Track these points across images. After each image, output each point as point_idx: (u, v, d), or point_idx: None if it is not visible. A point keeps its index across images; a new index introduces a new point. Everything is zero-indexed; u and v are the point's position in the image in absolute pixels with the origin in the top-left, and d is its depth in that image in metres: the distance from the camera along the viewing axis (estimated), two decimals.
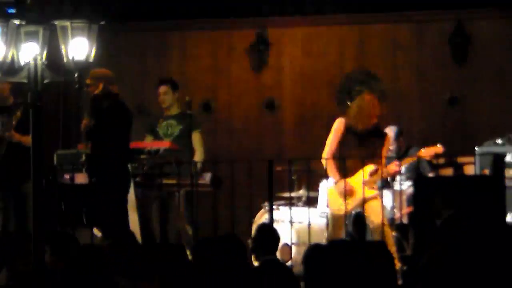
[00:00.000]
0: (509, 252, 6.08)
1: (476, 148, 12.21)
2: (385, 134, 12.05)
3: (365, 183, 11.68)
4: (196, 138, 13.12)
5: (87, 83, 11.97)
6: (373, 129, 11.86)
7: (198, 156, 13.02)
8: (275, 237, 9.63)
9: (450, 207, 8.11)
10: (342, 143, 11.84)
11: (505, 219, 7.06)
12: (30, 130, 10.99)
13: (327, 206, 11.92)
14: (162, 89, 13.25)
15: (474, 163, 11.93)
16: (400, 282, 8.61)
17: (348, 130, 11.84)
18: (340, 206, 11.71)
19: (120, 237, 10.00)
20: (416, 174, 12.27)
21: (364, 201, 11.76)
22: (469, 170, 12.43)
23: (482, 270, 5.67)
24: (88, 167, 12.02)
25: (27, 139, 11.36)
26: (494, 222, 6.45)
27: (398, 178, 12.52)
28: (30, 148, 10.92)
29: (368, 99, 12.02)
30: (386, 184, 12.32)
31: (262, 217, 12.64)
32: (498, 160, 10.42)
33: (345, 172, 11.60)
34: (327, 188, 11.93)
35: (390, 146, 12.27)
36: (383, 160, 11.88)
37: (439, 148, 12.09)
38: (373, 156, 11.82)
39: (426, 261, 5.49)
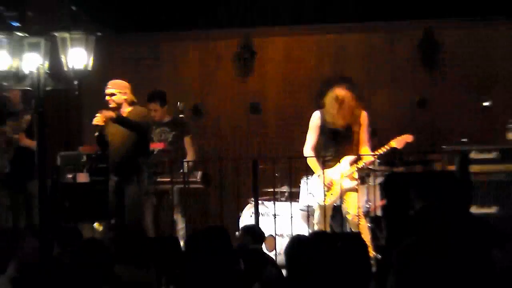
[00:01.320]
0: (475, 241, 6.09)
1: (444, 147, 12.28)
2: (358, 116, 11.83)
3: (345, 174, 11.70)
4: (188, 142, 13.22)
5: (111, 92, 12.04)
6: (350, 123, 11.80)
7: (190, 157, 13.07)
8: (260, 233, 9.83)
9: (420, 200, 8.12)
10: (322, 133, 11.84)
11: (469, 210, 7.09)
12: (36, 134, 11.10)
13: (314, 198, 11.89)
14: (152, 106, 13.22)
15: (441, 160, 12.04)
16: (374, 269, 8.66)
17: (325, 120, 11.83)
18: (325, 198, 11.72)
19: (132, 229, 10.12)
20: (388, 166, 12.22)
21: (344, 193, 11.74)
22: (438, 166, 12.44)
23: (452, 258, 5.60)
24: (110, 165, 12.12)
25: (33, 143, 11.42)
26: (461, 214, 6.49)
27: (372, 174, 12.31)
28: (35, 149, 11.03)
29: (338, 90, 11.83)
30: (362, 179, 12.21)
31: (248, 211, 12.69)
32: (464, 157, 10.55)
33: (328, 164, 11.64)
34: (313, 182, 11.92)
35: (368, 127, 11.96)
36: (365, 146, 11.86)
37: (409, 136, 11.94)
38: (351, 142, 11.82)
39: (399, 250, 5.38)
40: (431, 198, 7.18)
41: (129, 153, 11.89)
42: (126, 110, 12.09)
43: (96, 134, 12.04)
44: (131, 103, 12.12)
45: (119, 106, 12.10)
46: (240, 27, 15.44)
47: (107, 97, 12.03)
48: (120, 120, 11.69)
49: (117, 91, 12.16)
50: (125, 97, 12.13)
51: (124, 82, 12.30)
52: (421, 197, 8.40)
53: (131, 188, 11.86)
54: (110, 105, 12.00)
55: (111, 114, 11.76)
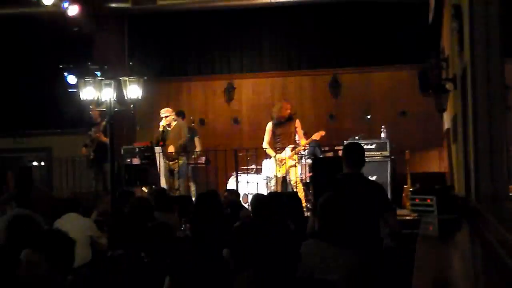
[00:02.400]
0: (366, 191, 5.73)
1: (344, 142, 12.19)
2: (293, 119, 11.76)
3: (288, 156, 11.66)
4: (197, 140, 13.16)
5: (166, 115, 12.47)
6: (286, 119, 11.76)
7: (198, 149, 13.04)
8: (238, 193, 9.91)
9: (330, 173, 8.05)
10: (273, 133, 11.79)
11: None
12: (108, 135, 11.20)
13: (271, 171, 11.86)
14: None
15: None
16: (306, 214, 8.63)
17: (274, 126, 11.82)
18: (278, 172, 11.76)
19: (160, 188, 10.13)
20: (313, 154, 12.25)
21: (288, 168, 11.69)
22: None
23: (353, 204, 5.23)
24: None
25: (107, 139, 11.50)
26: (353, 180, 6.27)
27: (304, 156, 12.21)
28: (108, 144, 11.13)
29: (279, 104, 12.02)
30: (300, 158, 12.06)
31: (232, 180, 12.54)
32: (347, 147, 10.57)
33: (278, 151, 11.65)
34: (270, 162, 11.89)
35: (302, 131, 11.89)
36: (303, 140, 11.82)
37: (322, 132, 11.95)
38: (290, 137, 11.74)
39: (321, 202, 5.01)
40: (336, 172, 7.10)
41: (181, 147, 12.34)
42: (173, 124, 12.38)
43: (159, 132, 12.41)
44: (174, 120, 12.49)
45: (169, 122, 12.37)
46: (227, 73, 15.40)
47: (163, 117, 12.33)
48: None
49: (167, 114, 12.42)
50: (172, 117, 12.39)
51: (170, 108, 12.56)
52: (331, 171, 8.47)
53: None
54: (164, 123, 12.33)
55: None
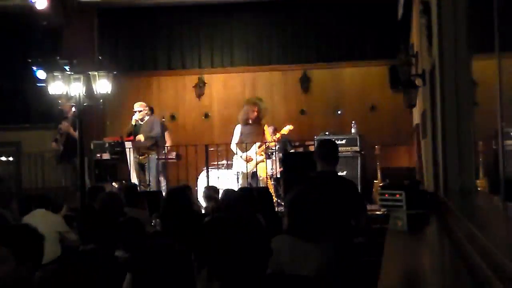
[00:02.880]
0: (343, 192, 5.84)
1: (315, 137, 12.25)
2: (260, 123, 11.97)
3: (256, 152, 11.79)
4: (167, 136, 13.10)
5: (140, 109, 12.44)
6: (253, 121, 11.87)
7: (169, 144, 12.96)
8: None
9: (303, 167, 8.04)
10: (242, 134, 11.88)
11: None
12: (77, 129, 11.15)
13: (240, 167, 11.91)
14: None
15: (313, 145, 12.05)
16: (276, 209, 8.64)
17: (242, 127, 11.90)
18: (246, 168, 11.81)
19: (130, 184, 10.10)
20: (283, 149, 12.26)
21: (257, 163, 11.87)
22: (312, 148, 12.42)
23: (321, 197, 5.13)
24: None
25: (75, 133, 11.47)
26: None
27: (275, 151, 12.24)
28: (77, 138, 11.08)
29: (246, 107, 12.09)
30: (269, 155, 12.10)
31: (202, 175, 12.54)
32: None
33: (244, 150, 11.72)
34: (239, 158, 11.91)
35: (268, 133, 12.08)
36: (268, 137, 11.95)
37: (290, 126, 12.07)
38: (258, 136, 11.86)
39: (290, 197, 5.05)
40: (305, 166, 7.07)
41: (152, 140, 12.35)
42: (145, 118, 12.35)
43: (131, 125, 12.42)
44: (148, 114, 12.56)
45: (142, 117, 12.32)
46: (198, 68, 15.35)
47: (136, 111, 12.31)
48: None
49: (142, 108, 12.39)
50: (146, 111, 12.38)
51: (143, 102, 12.52)
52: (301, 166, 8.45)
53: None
54: (138, 117, 12.27)
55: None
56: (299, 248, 4.71)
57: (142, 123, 12.55)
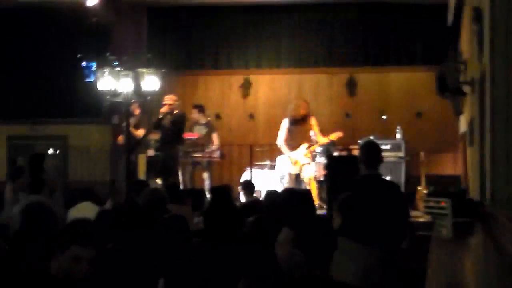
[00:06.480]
0: (390, 197, 5.83)
1: (359, 141, 12.18)
2: (308, 118, 11.83)
3: (303, 154, 11.71)
4: (215, 136, 12.95)
5: (169, 102, 12.14)
6: (301, 118, 11.81)
7: (215, 144, 12.88)
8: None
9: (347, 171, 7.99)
10: (288, 131, 11.83)
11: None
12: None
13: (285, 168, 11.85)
14: (194, 112, 13.15)
15: (358, 149, 11.92)
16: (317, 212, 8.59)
17: (289, 123, 11.85)
18: (291, 169, 11.79)
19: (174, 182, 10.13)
20: (327, 153, 12.10)
21: (302, 165, 11.76)
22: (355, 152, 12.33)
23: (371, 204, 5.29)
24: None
25: (136, 132, 11.61)
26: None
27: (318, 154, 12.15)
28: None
29: (296, 102, 12.10)
30: (313, 157, 12.00)
31: (246, 175, 12.50)
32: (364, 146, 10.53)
33: (293, 148, 11.72)
34: (284, 159, 11.86)
35: (318, 128, 11.93)
36: (319, 136, 11.81)
37: (340, 133, 11.95)
38: (305, 135, 11.77)
39: (340, 201, 5.04)
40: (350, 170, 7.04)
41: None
42: (174, 112, 12.25)
43: (158, 118, 12.15)
44: (177, 108, 12.29)
45: (172, 110, 12.21)
46: (244, 68, 15.37)
47: (166, 103, 12.20)
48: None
49: (171, 102, 12.30)
50: (177, 103, 12.30)
51: (174, 96, 12.42)
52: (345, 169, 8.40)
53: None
54: (167, 109, 12.17)
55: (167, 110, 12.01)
56: (348, 248, 4.70)
57: (169, 116, 12.40)
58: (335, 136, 11.98)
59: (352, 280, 4.46)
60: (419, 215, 10.38)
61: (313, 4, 14.71)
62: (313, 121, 11.90)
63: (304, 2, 14.72)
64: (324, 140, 11.91)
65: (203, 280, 3.79)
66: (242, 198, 9.64)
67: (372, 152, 6.03)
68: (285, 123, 11.93)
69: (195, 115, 13.15)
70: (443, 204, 5.22)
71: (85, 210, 7.54)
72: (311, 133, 11.84)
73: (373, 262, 4.68)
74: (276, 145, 12.01)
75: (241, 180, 12.38)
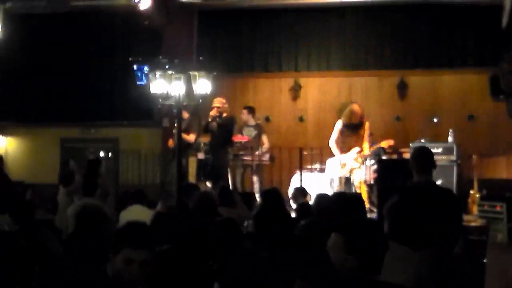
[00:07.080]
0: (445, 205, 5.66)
1: (410, 144, 12.04)
2: (364, 123, 11.84)
3: (353, 158, 11.72)
4: (265, 138, 12.96)
5: (218, 106, 12.23)
6: (357, 123, 11.80)
7: (265, 146, 12.85)
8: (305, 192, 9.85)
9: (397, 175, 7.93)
10: (341, 133, 11.82)
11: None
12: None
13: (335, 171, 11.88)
14: (244, 113, 13.17)
15: (408, 152, 11.88)
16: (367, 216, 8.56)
17: (343, 126, 11.81)
18: (341, 172, 11.80)
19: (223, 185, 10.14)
20: (377, 156, 12.00)
21: (352, 169, 11.79)
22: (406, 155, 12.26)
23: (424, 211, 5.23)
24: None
25: (186, 136, 11.69)
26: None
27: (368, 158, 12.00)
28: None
29: (353, 108, 11.93)
30: (363, 161, 11.90)
31: (295, 178, 12.53)
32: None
33: (343, 151, 11.72)
34: (334, 162, 11.88)
35: (369, 131, 11.96)
36: (366, 142, 11.79)
37: (391, 141, 12.01)
38: (358, 139, 11.76)
39: (389, 205, 5.03)
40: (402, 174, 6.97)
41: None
42: (223, 115, 12.31)
43: (208, 121, 12.22)
44: (226, 111, 12.33)
45: (221, 113, 12.28)
46: (293, 71, 15.30)
47: (215, 107, 12.26)
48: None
49: (220, 105, 12.36)
50: (225, 107, 12.34)
51: (223, 99, 12.48)
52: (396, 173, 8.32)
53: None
54: (216, 112, 12.23)
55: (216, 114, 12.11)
56: (399, 253, 4.67)
57: (218, 120, 12.46)
58: (386, 143, 12.01)
59: (405, 284, 4.39)
60: (471, 219, 10.21)
61: (363, 6, 14.63)
62: (367, 126, 11.91)
63: (354, 4, 14.65)
64: (374, 147, 11.96)
65: (258, 284, 3.78)
66: (293, 203, 9.61)
67: (424, 158, 5.94)
68: (338, 125, 11.91)
69: (245, 116, 13.16)
70: (498, 209, 5.15)
71: (136, 212, 7.64)
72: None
73: (425, 267, 4.63)
74: (326, 148, 11.98)
75: (291, 184, 12.44)
